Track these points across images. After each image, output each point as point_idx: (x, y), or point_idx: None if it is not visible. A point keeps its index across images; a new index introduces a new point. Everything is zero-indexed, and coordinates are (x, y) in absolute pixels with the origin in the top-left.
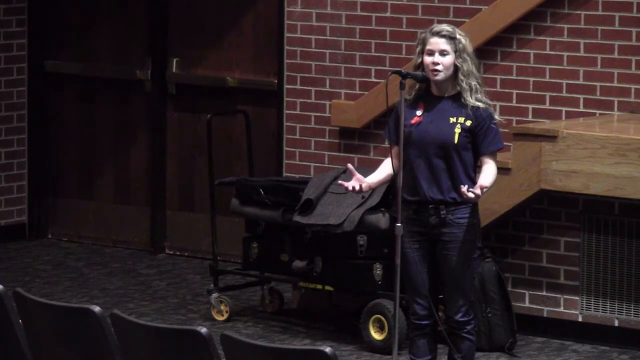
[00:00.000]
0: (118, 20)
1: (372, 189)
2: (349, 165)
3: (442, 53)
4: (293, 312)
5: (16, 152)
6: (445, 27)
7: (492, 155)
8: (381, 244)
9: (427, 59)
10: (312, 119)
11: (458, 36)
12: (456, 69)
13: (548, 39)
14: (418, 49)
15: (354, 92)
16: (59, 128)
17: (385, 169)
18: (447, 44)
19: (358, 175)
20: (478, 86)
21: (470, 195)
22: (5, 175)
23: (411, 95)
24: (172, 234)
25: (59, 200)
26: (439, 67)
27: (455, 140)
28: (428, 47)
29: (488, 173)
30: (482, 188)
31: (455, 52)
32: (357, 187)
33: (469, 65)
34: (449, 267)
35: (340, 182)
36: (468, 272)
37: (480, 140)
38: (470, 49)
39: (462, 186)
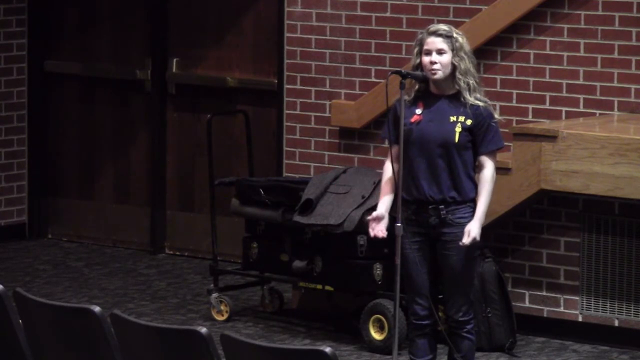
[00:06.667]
0: (118, 20)
1: (373, 189)
2: (369, 218)
3: (439, 52)
4: (293, 312)
5: (16, 152)
6: (442, 27)
7: (492, 154)
8: (381, 244)
9: (425, 59)
10: (312, 119)
11: (455, 35)
12: (454, 67)
13: (548, 39)
14: (416, 50)
15: (354, 92)
16: (59, 128)
17: (389, 184)
18: (444, 43)
19: (376, 215)
20: (476, 85)
21: (467, 242)
22: (5, 175)
23: (411, 97)
24: (172, 234)
25: (59, 200)
26: (436, 66)
27: (456, 139)
28: (425, 47)
29: (483, 196)
30: (474, 238)
31: (452, 50)
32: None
33: (466, 64)
34: (449, 267)
35: (372, 232)
36: (468, 272)
37: (479, 139)
38: (467, 47)
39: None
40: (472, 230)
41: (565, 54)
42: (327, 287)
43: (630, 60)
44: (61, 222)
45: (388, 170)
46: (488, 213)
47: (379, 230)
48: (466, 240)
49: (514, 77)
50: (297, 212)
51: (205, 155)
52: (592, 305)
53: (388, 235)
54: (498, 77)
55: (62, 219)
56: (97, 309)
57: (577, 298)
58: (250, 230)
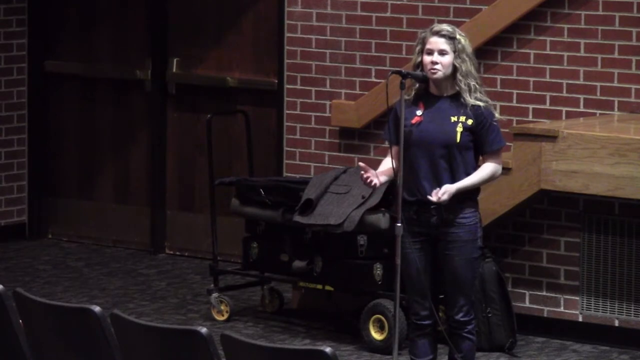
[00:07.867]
0: (118, 20)
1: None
2: (361, 164)
3: (441, 53)
4: (293, 312)
5: (16, 152)
6: (445, 27)
7: (496, 153)
8: (381, 244)
9: (426, 58)
10: (312, 119)
11: (458, 36)
12: (455, 69)
13: (548, 39)
14: (417, 49)
15: (354, 92)
16: (59, 128)
17: (387, 170)
18: (447, 44)
19: (372, 171)
20: (477, 86)
21: (433, 199)
22: (5, 175)
23: (410, 96)
24: (172, 234)
25: (59, 200)
26: (437, 67)
27: (458, 140)
28: (427, 46)
29: (472, 176)
30: (446, 192)
31: (454, 52)
32: (377, 182)
33: (467, 66)
34: (450, 267)
35: (363, 180)
36: (469, 272)
37: (482, 139)
38: (469, 49)
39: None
40: (447, 191)
41: (566, 54)
42: (327, 287)
43: (630, 60)
44: (61, 222)
45: (387, 161)
46: (488, 213)
47: (374, 178)
48: (434, 197)
49: (514, 77)
50: (297, 212)
51: (205, 155)
52: (592, 305)
53: (388, 235)
54: (498, 77)
55: (62, 219)
56: (97, 309)
57: (577, 298)
58: (250, 230)
